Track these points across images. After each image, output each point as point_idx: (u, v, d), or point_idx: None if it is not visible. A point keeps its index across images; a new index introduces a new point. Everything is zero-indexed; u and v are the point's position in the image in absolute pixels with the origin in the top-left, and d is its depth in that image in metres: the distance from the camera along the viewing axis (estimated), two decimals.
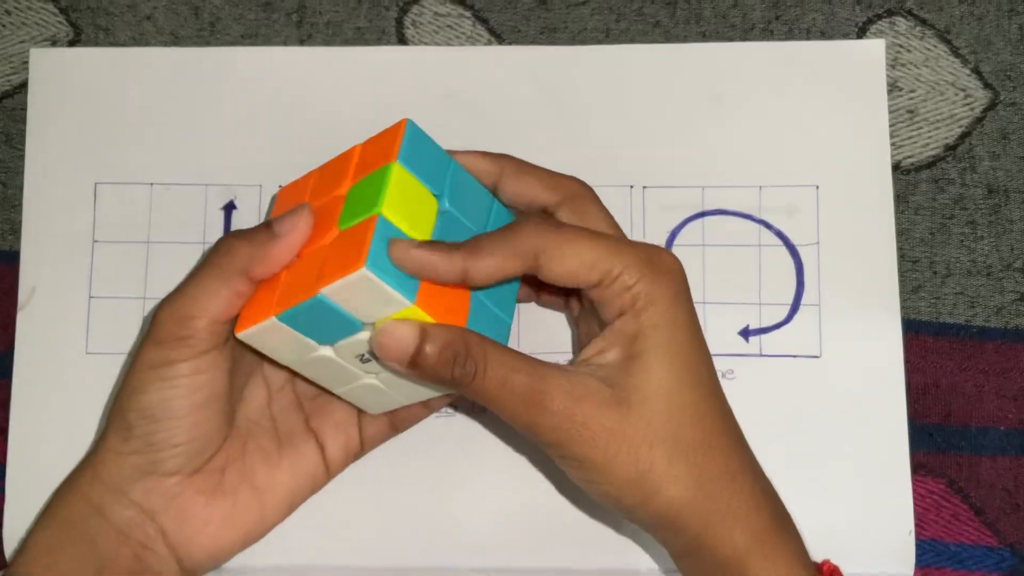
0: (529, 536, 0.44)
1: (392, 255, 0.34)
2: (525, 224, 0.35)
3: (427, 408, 0.42)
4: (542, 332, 0.45)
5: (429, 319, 0.34)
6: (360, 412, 0.42)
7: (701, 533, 0.35)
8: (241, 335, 0.36)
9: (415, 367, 0.34)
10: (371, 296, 0.34)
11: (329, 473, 0.42)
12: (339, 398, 0.40)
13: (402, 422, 0.42)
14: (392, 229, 0.34)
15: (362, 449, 0.42)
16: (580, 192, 0.39)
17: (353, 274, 0.33)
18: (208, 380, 0.37)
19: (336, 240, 0.35)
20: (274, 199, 0.44)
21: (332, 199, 0.37)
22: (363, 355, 0.37)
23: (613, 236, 0.37)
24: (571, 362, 0.37)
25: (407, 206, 0.35)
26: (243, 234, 0.37)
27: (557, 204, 0.38)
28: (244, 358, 0.40)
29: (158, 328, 0.36)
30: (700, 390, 0.36)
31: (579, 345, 0.41)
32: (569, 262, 0.35)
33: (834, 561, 0.39)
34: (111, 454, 0.38)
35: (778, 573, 0.35)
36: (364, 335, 0.36)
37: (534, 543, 0.44)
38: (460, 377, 0.34)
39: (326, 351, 0.37)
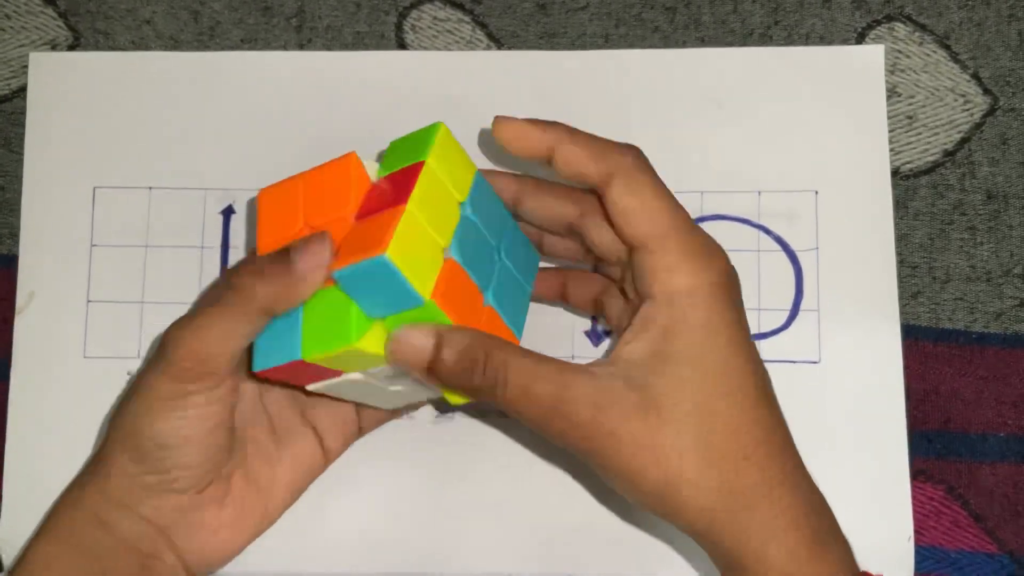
0: (532, 542, 0.44)
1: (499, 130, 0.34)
2: (616, 148, 0.35)
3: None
4: (541, 334, 0.45)
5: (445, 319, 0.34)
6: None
7: (734, 547, 0.33)
8: (258, 372, 0.36)
9: (433, 375, 0.33)
10: (387, 287, 0.33)
11: (328, 460, 0.41)
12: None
13: None
14: (416, 223, 0.33)
15: (361, 432, 0.42)
16: (634, 165, 0.36)
17: (371, 258, 0.32)
18: (221, 408, 0.37)
19: (354, 230, 0.34)
20: (256, 201, 0.43)
21: (338, 220, 0.35)
22: (389, 375, 0.36)
23: (681, 210, 0.35)
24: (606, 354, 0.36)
25: (433, 206, 0.34)
26: (261, 272, 0.34)
27: (578, 217, 0.37)
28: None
29: (174, 363, 0.35)
30: (736, 399, 0.33)
31: (615, 328, 0.40)
32: (634, 200, 0.34)
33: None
34: (121, 474, 0.37)
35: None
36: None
37: (537, 549, 0.44)
38: (480, 385, 0.33)
39: (354, 375, 0.36)
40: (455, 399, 0.36)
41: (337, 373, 0.36)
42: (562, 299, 0.42)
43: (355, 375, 0.36)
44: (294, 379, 0.36)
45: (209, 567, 0.40)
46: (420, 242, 0.33)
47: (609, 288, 0.40)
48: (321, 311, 0.34)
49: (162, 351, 0.35)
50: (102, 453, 0.37)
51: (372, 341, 0.34)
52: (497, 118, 0.36)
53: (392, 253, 0.32)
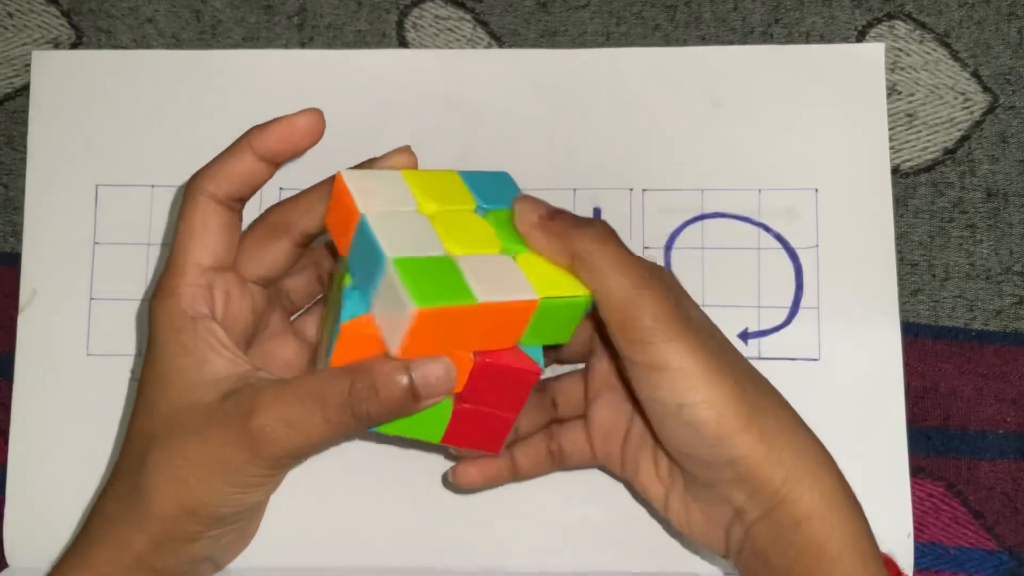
0: (536, 537, 0.44)
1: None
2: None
3: None
4: None
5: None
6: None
7: (781, 486, 0.34)
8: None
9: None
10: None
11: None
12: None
13: None
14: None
15: None
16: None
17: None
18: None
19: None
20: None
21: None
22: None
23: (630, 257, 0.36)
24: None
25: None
26: (376, 397, 0.34)
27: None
28: None
29: (270, 458, 0.34)
30: (745, 364, 0.37)
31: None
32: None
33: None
34: (186, 536, 0.36)
35: (853, 534, 0.34)
36: None
37: (540, 544, 0.44)
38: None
39: None
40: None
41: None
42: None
43: None
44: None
45: (235, 558, 0.41)
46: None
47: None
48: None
49: (254, 441, 0.34)
50: (156, 509, 0.35)
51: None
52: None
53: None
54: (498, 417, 0.37)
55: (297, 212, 0.37)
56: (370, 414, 0.34)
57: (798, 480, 0.34)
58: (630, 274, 0.34)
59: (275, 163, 0.37)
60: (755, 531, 0.35)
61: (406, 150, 0.37)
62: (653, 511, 0.42)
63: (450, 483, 0.41)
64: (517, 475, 0.41)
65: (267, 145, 0.36)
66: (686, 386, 0.34)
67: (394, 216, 0.34)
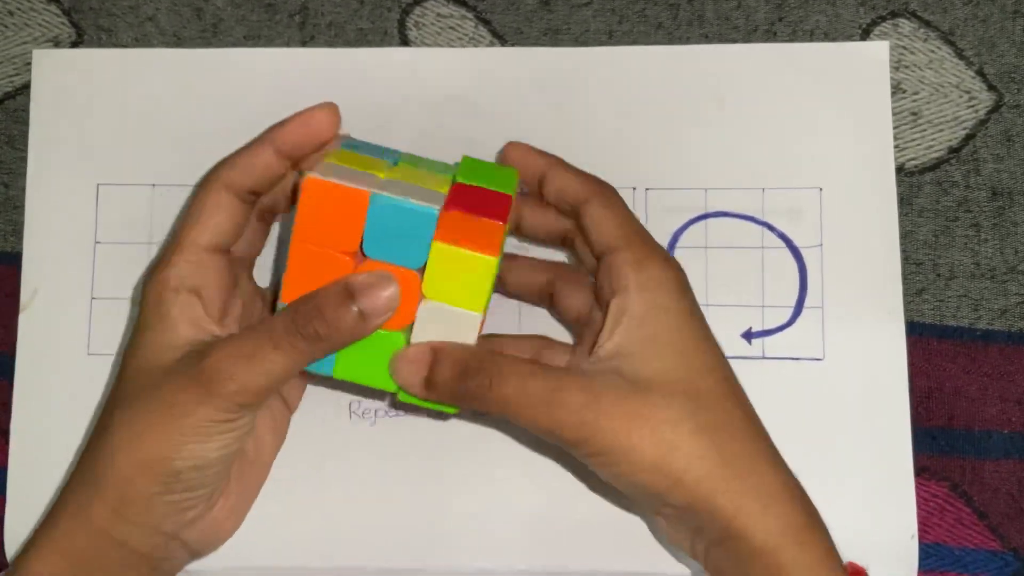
0: (529, 536, 0.44)
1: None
2: (596, 179, 0.39)
3: None
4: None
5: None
6: None
7: (734, 517, 0.34)
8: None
9: (430, 387, 0.35)
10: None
11: (291, 410, 0.43)
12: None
13: None
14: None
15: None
16: (610, 191, 0.40)
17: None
18: (250, 426, 0.37)
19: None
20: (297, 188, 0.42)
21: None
22: None
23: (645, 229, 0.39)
24: (576, 354, 0.38)
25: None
26: (323, 317, 0.35)
27: (588, 195, 0.39)
28: None
29: (224, 396, 0.34)
30: (715, 375, 0.36)
31: (576, 337, 0.42)
32: (608, 212, 0.38)
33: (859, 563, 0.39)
34: (138, 497, 0.35)
35: (811, 565, 0.34)
36: None
37: (533, 543, 0.44)
38: (475, 389, 0.34)
39: None
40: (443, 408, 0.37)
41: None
42: (549, 303, 0.43)
43: None
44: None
45: (213, 547, 0.40)
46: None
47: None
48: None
49: (206, 379, 0.34)
50: (113, 470, 0.35)
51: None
52: (508, 144, 0.41)
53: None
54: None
55: (236, 174, 0.38)
56: (319, 333, 0.34)
57: (754, 512, 0.34)
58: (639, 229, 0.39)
59: (293, 158, 0.38)
60: (712, 553, 0.36)
61: (326, 106, 0.38)
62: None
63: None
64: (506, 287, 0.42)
65: (288, 140, 0.37)
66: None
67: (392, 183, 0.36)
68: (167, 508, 0.36)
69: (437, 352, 0.35)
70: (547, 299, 0.42)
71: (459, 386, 0.35)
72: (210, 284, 0.37)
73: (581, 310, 0.40)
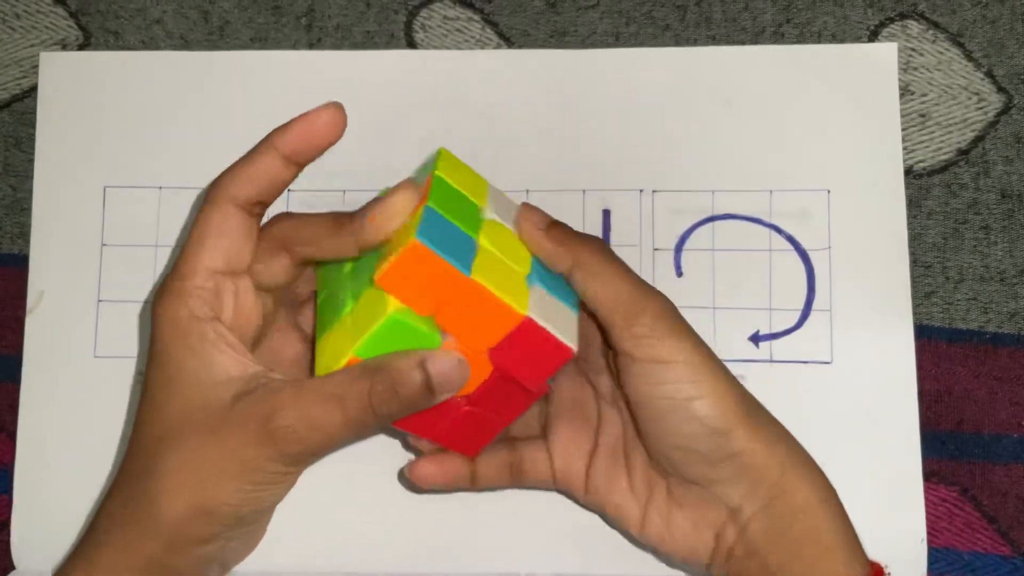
0: (539, 541, 0.44)
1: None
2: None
3: None
4: None
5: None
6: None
7: (780, 477, 0.36)
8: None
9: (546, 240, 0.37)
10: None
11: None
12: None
13: None
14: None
15: None
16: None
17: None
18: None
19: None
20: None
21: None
22: None
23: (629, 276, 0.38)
24: None
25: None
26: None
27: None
28: None
29: (285, 452, 0.34)
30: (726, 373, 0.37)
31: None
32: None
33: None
34: (202, 539, 0.35)
35: (840, 535, 0.36)
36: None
37: (544, 548, 0.44)
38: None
39: None
40: None
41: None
42: None
43: None
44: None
45: (240, 561, 0.40)
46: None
47: None
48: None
49: (276, 440, 0.34)
50: (172, 513, 0.35)
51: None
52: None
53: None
54: (492, 421, 0.38)
55: (301, 239, 0.36)
56: (391, 413, 0.34)
57: (794, 473, 0.36)
58: (631, 279, 0.36)
59: (299, 163, 0.36)
60: (751, 528, 0.36)
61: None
62: (627, 535, 0.41)
63: (405, 478, 0.40)
64: (475, 483, 0.40)
65: (291, 144, 0.36)
66: (691, 379, 0.35)
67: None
68: (222, 544, 0.36)
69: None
70: None
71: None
72: (236, 311, 0.36)
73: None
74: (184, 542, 0.35)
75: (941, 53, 0.47)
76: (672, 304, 0.36)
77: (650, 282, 0.37)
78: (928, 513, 0.44)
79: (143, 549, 0.35)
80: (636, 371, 0.36)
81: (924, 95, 0.47)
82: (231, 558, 0.39)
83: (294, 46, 0.49)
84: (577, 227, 0.38)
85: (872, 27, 0.48)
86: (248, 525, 0.37)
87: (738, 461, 0.36)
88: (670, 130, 0.47)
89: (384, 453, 0.44)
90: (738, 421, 0.35)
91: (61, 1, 0.49)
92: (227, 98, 0.48)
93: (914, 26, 0.48)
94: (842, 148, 0.46)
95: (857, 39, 0.48)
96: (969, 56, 0.47)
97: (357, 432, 0.34)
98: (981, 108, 0.47)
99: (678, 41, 0.48)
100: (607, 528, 0.44)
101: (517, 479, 0.41)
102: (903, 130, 0.46)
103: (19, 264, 0.47)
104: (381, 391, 0.34)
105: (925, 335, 0.45)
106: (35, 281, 0.47)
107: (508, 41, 0.48)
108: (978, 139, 0.47)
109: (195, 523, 0.35)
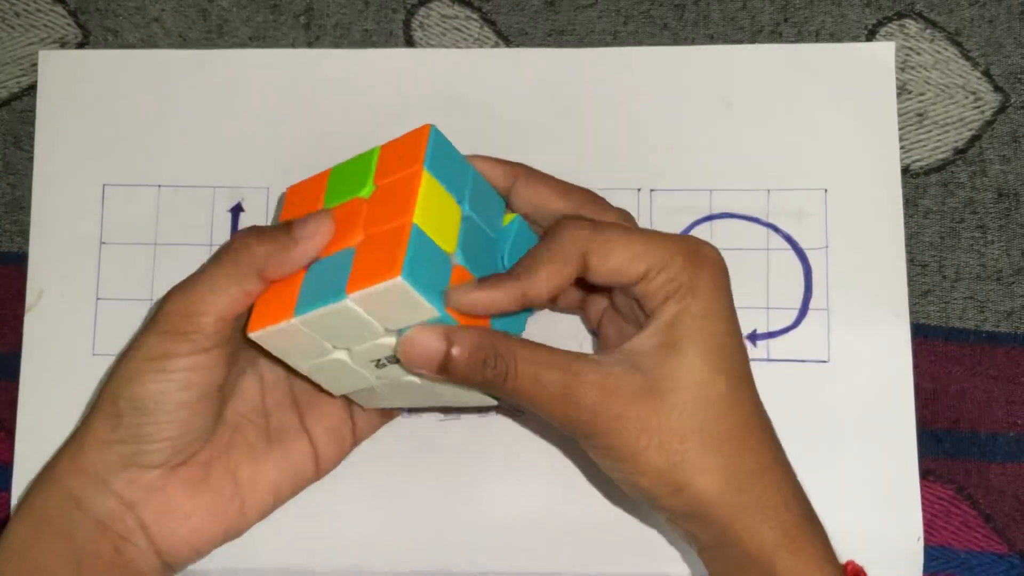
0: (539, 540, 0.44)
1: (452, 302, 0.34)
2: (565, 229, 0.35)
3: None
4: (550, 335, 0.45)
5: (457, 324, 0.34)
6: (351, 405, 0.42)
7: (728, 527, 0.34)
8: (253, 335, 0.36)
9: (445, 372, 0.34)
10: (402, 304, 0.34)
11: (320, 471, 0.41)
12: (331, 394, 0.40)
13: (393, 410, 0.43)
14: (424, 238, 0.34)
15: (353, 445, 0.42)
16: (593, 198, 0.39)
17: (387, 282, 0.33)
18: (205, 376, 0.37)
19: (364, 245, 0.35)
20: (283, 198, 0.44)
21: (353, 203, 0.37)
22: (380, 360, 0.36)
23: (650, 230, 0.37)
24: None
25: (435, 213, 0.35)
26: (261, 233, 0.36)
27: (572, 211, 0.38)
28: (242, 352, 0.39)
29: (163, 320, 0.36)
30: (733, 381, 0.35)
31: (605, 345, 0.41)
32: (617, 258, 0.35)
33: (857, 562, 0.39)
34: (95, 442, 0.37)
35: (806, 570, 0.35)
36: (384, 340, 0.35)
37: (544, 547, 0.44)
38: (492, 378, 0.34)
39: (340, 355, 0.37)
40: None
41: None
42: (552, 303, 0.43)
43: (341, 354, 0.36)
44: (285, 355, 0.37)
45: (179, 558, 0.39)
46: (429, 256, 0.34)
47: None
48: (320, 275, 0.35)
49: (156, 312, 0.36)
50: (81, 423, 0.38)
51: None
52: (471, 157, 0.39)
53: (406, 274, 0.33)
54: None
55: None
56: (257, 255, 0.36)
57: (751, 524, 0.34)
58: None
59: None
60: (706, 556, 0.36)
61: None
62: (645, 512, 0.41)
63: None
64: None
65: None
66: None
67: None
68: (117, 461, 0.37)
69: (451, 336, 0.34)
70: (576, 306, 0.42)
71: (476, 373, 0.34)
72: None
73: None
74: (84, 452, 0.37)
75: (938, 52, 0.48)
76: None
77: None
78: (924, 511, 0.44)
79: (56, 473, 0.37)
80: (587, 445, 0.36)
81: (921, 94, 0.47)
82: (148, 514, 0.38)
83: (292, 44, 0.49)
84: None
85: (870, 26, 0.48)
86: (141, 436, 0.37)
87: (686, 504, 0.35)
88: (668, 129, 0.47)
89: (384, 453, 0.44)
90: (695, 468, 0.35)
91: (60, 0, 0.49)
92: (226, 96, 0.48)
93: (912, 25, 0.48)
94: (839, 147, 0.46)
95: (855, 38, 0.48)
96: (966, 55, 0.47)
97: (234, 282, 0.36)
98: (978, 107, 0.47)
99: (676, 40, 0.48)
100: (607, 528, 0.44)
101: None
102: (900, 129, 0.47)
103: (18, 262, 0.47)
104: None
105: (922, 334, 0.45)
106: (34, 279, 0.47)
107: (506, 40, 0.48)
108: (975, 138, 0.47)
109: (92, 425, 0.37)
